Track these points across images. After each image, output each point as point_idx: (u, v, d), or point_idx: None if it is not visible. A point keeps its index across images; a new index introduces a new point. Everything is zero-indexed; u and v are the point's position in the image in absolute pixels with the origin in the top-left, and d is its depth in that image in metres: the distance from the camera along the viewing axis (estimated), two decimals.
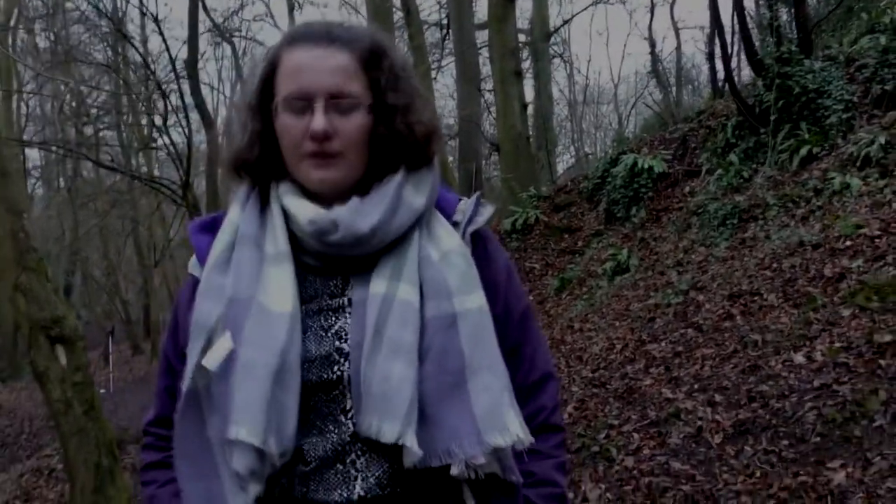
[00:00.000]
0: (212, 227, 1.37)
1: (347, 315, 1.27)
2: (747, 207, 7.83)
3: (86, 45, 20.74)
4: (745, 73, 13.76)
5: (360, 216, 1.23)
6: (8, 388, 19.58)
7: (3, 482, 9.49)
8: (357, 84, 1.26)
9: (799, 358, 4.46)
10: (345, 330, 1.25)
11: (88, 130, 23.09)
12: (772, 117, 8.58)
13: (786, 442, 3.79)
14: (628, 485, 4.04)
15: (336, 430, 1.24)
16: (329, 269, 1.30)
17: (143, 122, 21.95)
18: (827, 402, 3.91)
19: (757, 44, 9.95)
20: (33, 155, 26.02)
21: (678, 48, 25.02)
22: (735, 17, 9.95)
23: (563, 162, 29.97)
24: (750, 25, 10.57)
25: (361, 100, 1.26)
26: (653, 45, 24.87)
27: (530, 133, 17.03)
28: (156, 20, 12.38)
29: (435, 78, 23.29)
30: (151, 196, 21.79)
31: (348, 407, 1.23)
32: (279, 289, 1.23)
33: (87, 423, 4.28)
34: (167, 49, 12.25)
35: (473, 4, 17.74)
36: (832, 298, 5.07)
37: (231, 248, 1.30)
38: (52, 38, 20.50)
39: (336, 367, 1.24)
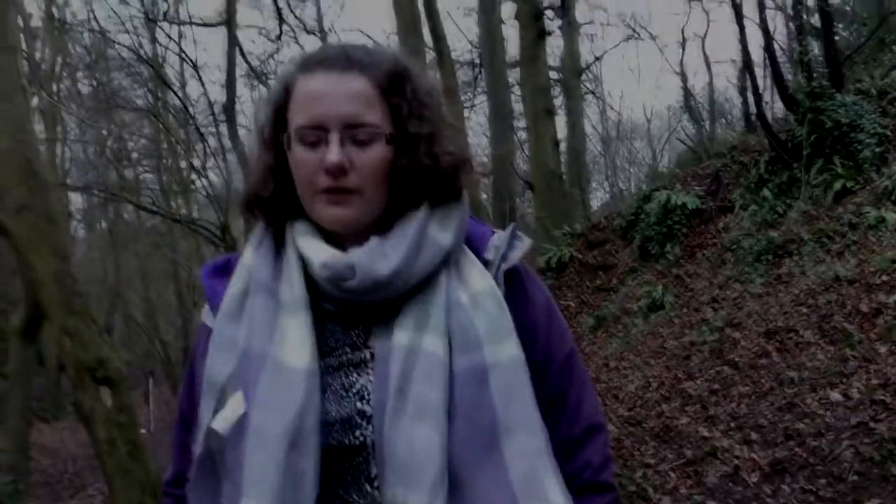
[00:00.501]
0: (225, 270, 1.27)
1: (370, 371, 1.14)
2: (782, 243, 7.82)
3: (126, 90, 21.32)
4: (779, 107, 13.76)
5: (378, 258, 1.12)
6: (51, 427, 19.81)
7: None
8: (376, 112, 1.15)
9: (835, 395, 4.46)
10: (367, 389, 1.13)
11: (129, 174, 23.66)
12: (804, 152, 8.59)
13: (823, 481, 3.79)
14: None
15: (361, 501, 1.13)
16: (350, 317, 1.18)
17: (183, 165, 22.48)
18: (864, 441, 3.90)
19: (789, 78, 9.98)
20: (76, 198, 26.55)
21: (710, 82, 25.04)
22: (765, 53, 10.00)
23: (597, 198, 29.99)
24: (781, 59, 10.60)
25: (381, 129, 1.15)
26: (684, 79, 24.91)
27: (563, 170, 17.12)
28: (195, 66, 12.70)
29: (468, 117, 23.56)
30: (191, 238, 22.18)
31: (373, 474, 1.12)
32: (295, 341, 1.12)
33: (131, 464, 4.40)
34: (206, 94, 12.59)
35: (505, 43, 17.96)
36: (868, 334, 5.05)
37: (244, 295, 1.19)
38: (95, 84, 21.07)
39: (358, 432, 1.12)
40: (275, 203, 1.22)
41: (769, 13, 9.89)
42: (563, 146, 19.55)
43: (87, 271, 25.62)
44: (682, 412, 5.32)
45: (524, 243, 1.24)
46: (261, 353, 1.12)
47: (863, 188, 7.82)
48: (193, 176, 22.15)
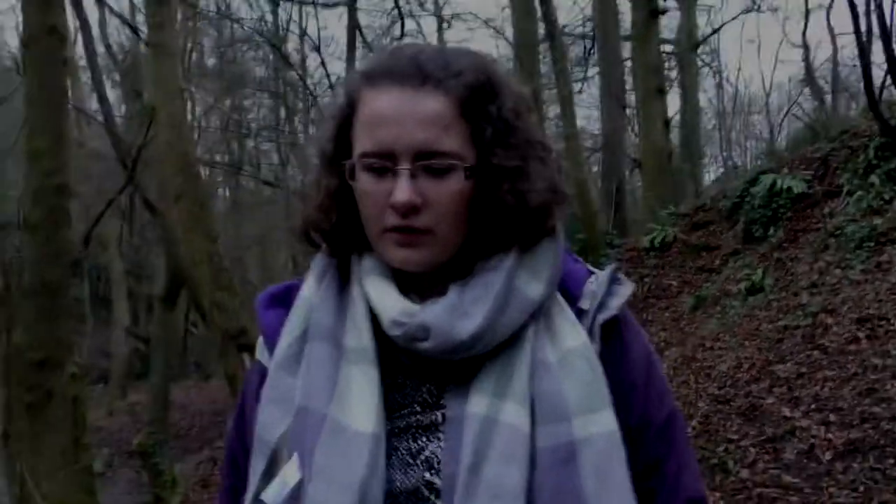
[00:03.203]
0: (284, 300, 1.14)
1: (440, 436, 1.01)
2: (885, 230, 7.88)
3: (248, 62, 22.50)
4: None
5: (458, 318, 0.98)
6: (178, 386, 21.36)
7: (183, 469, 10.64)
8: (454, 138, 0.99)
9: None
10: (436, 457, 1.01)
11: (249, 143, 24.94)
12: None
13: (892, 461, 4.09)
14: (741, 494, 4.41)
15: None
16: (422, 371, 1.05)
17: (300, 136, 23.57)
18: None
19: None
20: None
21: (834, 56, 24.32)
22: (882, 37, 9.89)
23: (712, 172, 29.68)
24: None
25: (460, 159, 0.99)
26: (806, 53, 24.29)
27: (675, 145, 17.19)
28: (318, 49, 13.40)
29: (579, 90, 23.67)
30: None
31: None
32: (360, 400, 0.99)
33: None
34: (327, 76, 13.20)
35: (619, 17, 18.01)
36: None
37: (303, 340, 1.07)
38: (221, 61, 22.24)
39: None
40: (338, 234, 1.09)
41: None
42: (676, 120, 19.56)
43: None
44: (769, 393, 5.63)
45: (625, 288, 1.10)
46: (320, 412, 1.00)
47: None
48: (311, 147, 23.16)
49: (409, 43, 1.06)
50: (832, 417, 4.78)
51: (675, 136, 18.35)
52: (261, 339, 1.16)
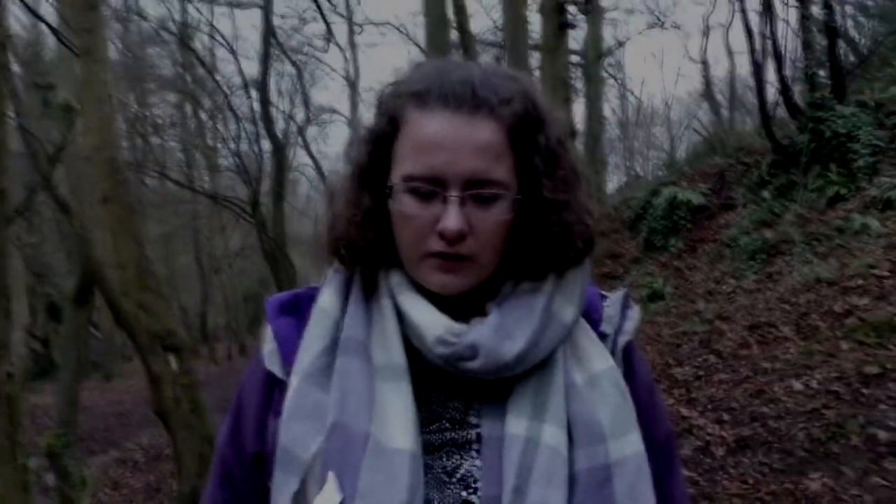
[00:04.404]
0: (295, 309, 1.10)
1: (475, 454, 1.01)
2: (775, 243, 8.45)
3: (154, 58, 22.17)
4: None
5: (503, 339, 0.98)
6: (80, 387, 20.69)
7: (90, 471, 10.47)
8: (503, 167, 0.98)
9: (798, 385, 5.15)
10: (472, 476, 1.00)
11: (154, 140, 24.46)
12: (803, 158, 9.18)
13: (777, 455, 4.50)
14: None
15: None
16: (449, 386, 1.03)
17: (209, 138, 23.35)
18: (815, 424, 4.60)
19: (798, 86, 10.51)
20: None
21: (731, 73, 25.42)
22: (774, 62, 10.52)
23: (614, 181, 30.58)
24: (789, 67, 11.09)
25: (507, 189, 0.98)
26: (706, 69, 25.34)
27: (580, 154, 17.68)
28: (234, 52, 13.35)
29: None
30: (217, 213, 23.01)
31: None
32: (396, 417, 0.96)
33: (193, 419, 5.17)
34: (242, 76, 13.17)
35: (528, 28, 18.40)
36: (835, 332, 5.72)
37: (330, 353, 1.02)
38: (127, 54, 21.80)
39: None
40: (370, 250, 1.05)
41: (780, 20, 10.39)
42: (581, 127, 20.13)
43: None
44: (668, 394, 6.03)
45: (636, 312, 1.13)
46: (360, 430, 0.97)
47: (854, 195, 8.40)
48: (220, 146, 23.04)
49: (453, 61, 1.05)
50: (725, 416, 5.19)
51: (580, 144, 18.94)
52: (268, 348, 1.09)
